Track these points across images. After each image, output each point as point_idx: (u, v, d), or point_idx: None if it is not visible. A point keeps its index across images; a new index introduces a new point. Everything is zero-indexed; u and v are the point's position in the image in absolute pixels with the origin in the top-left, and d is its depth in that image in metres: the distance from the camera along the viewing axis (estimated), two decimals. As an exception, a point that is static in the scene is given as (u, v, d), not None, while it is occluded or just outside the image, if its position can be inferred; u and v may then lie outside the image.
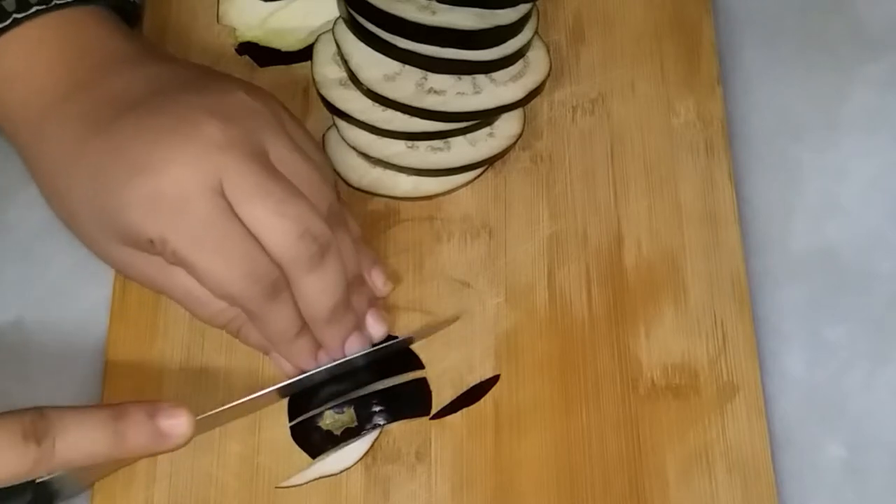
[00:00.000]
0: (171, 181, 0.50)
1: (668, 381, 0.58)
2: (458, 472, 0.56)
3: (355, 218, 0.60)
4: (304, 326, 0.55)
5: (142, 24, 0.65)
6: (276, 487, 0.55)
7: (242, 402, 0.55)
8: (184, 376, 0.58)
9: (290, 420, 0.57)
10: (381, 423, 0.57)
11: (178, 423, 0.52)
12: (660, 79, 0.65)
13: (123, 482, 0.56)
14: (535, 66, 0.62)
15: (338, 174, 0.62)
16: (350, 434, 0.56)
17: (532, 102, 0.63)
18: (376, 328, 0.57)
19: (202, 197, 0.51)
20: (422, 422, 0.57)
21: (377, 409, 0.57)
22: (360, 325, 0.57)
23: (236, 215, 0.51)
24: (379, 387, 0.57)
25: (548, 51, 0.63)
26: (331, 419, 0.57)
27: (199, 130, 0.51)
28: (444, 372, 0.58)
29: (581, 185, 0.63)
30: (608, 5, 0.67)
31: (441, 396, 0.58)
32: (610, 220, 0.62)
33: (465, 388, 0.58)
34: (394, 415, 0.57)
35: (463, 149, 0.61)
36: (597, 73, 0.65)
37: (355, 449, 0.56)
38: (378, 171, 0.61)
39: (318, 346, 0.56)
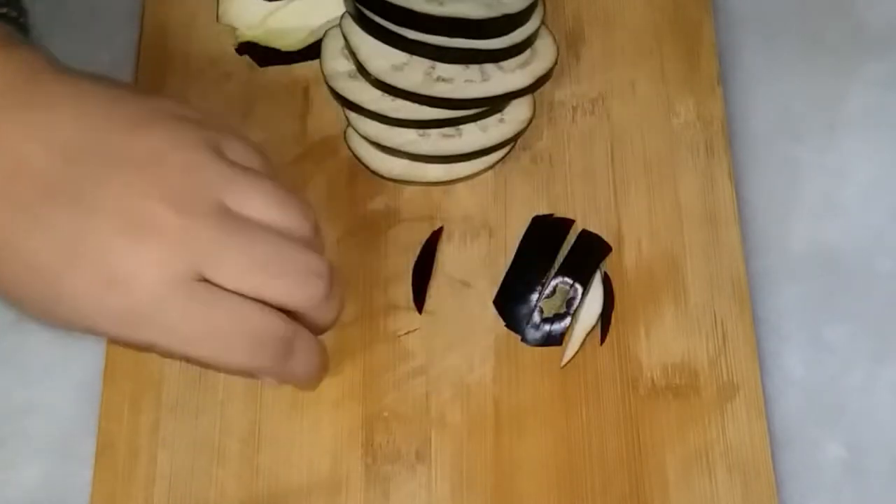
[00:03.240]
0: (142, 293, 0.45)
1: (668, 381, 0.58)
2: (458, 472, 0.56)
3: (356, 219, 0.60)
4: (324, 350, 0.52)
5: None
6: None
7: None
8: (184, 376, 0.58)
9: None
10: (584, 283, 0.60)
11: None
12: (660, 79, 0.65)
13: (123, 482, 0.56)
14: (543, 54, 0.63)
15: (367, 167, 0.62)
16: (574, 298, 0.59)
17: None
18: None
19: (179, 295, 0.46)
20: (422, 421, 0.57)
21: (573, 280, 0.60)
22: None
23: (221, 287, 0.46)
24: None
25: (554, 39, 0.63)
26: (546, 306, 0.59)
27: (154, 228, 0.45)
28: (444, 372, 0.58)
29: (581, 185, 0.63)
30: (608, 5, 0.67)
31: (441, 396, 0.58)
32: (610, 220, 0.62)
33: (465, 388, 0.58)
34: (591, 269, 0.60)
35: (474, 135, 0.62)
36: (597, 73, 0.65)
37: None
38: (405, 161, 0.62)
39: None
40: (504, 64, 0.62)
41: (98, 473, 0.56)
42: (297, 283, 0.48)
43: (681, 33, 0.66)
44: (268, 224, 0.48)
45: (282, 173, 0.51)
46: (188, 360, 0.49)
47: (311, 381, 0.54)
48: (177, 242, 0.46)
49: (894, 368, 0.60)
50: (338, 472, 0.57)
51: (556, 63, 0.63)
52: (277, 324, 0.48)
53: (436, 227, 0.62)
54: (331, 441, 0.57)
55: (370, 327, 0.59)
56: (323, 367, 0.52)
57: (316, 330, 0.51)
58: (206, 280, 0.46)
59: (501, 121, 0.62)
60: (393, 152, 0.62)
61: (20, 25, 0.53)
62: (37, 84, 0.47)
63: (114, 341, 0.50)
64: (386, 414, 0.58)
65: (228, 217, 0.47)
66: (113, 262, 0.45)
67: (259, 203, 0.48)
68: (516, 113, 0.62)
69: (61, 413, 0.59)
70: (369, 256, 0.61)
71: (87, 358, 0.60)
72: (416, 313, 0.59)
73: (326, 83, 0.62)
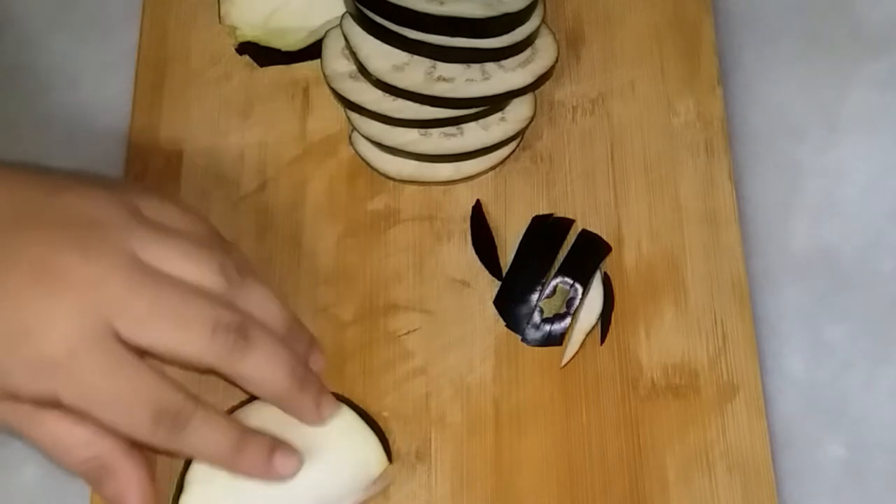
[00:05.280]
0: (56, 342, 0.47)
1: (668, 381, 0.58)
2: (458, 472, 0.56)
3: (356, 219, 0.60)
4: (245, 433, 0.52)
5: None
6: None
7: None
8: (184, 376, 0.58)
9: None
10: (584, 283, 0.60)
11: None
12: (660, 79, 0.65)
13: (123, 482, 0.56)
14: (544, 53, 0.63)
15: (376, 170, 0.62)
16: (574, 299, 0.59)
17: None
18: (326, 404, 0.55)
19: (93, 348, 0.47)
20: (422, 421, 0.57)
21: (573, 280, 0.60)
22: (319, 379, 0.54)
23: (132, 347, 0.48)
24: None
25: (555, 38, 0.63)
26: (546, 306, 0.59)
27: (64, 275, 0.47)
28: (444, 372, 0.58)
29: (581, 185, 0.63)
30: (608, 5, 0.67)
31: (441, 396, 0.58)
32: (610, 220, 0.62)
33: (465, 388, 0.58)
34: (591, 270, 0.60)
35: (476, 134, 0.62)
36: (597, 73, 0.65)
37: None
38: (414, 162, 0.62)
39: (271, 447, 0.53)
40: (505, 63, 0.62)
41: (98, 473, 0.56)
42: (203, 337, 0.49)
43: (681, 33, 0.66)
44: (181, 278, 0.49)
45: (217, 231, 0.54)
46: (84, 417, 0.49)
47: (224, 459, 0.52)
48: (86, 291, 0.47)
49: (894, 368, 0.60)
50: (338, 472, 0.57)
51: (556, 61, 0.63)
52: (171, 395, 0.49)
53: (435, 227, 0.62)
54: (331, 441, 0.57)
55: (370, 327, 0.59)
56: (237, 449, 0.51)
57: (260, 390, 0.52)
58: (123, 341, 0.48)
59: (503, 119, 0.62)
60: (395, 152, 0.62)
61: None
62: None
63: (18, 424, 0.49)
64: (386, 414, 0.58)
65: (138, 268, 0.48)
66: (26, 313, 0.47)
67: (173, 257, 0.50)
68: (517, 111, 0.63)
69: (61, 413, 0.59)
70: (369, 256, 0.61)
71: (87, 358, 0.59)
72: (416, 313, 0.59)
73: (327, 84, 0.62)
